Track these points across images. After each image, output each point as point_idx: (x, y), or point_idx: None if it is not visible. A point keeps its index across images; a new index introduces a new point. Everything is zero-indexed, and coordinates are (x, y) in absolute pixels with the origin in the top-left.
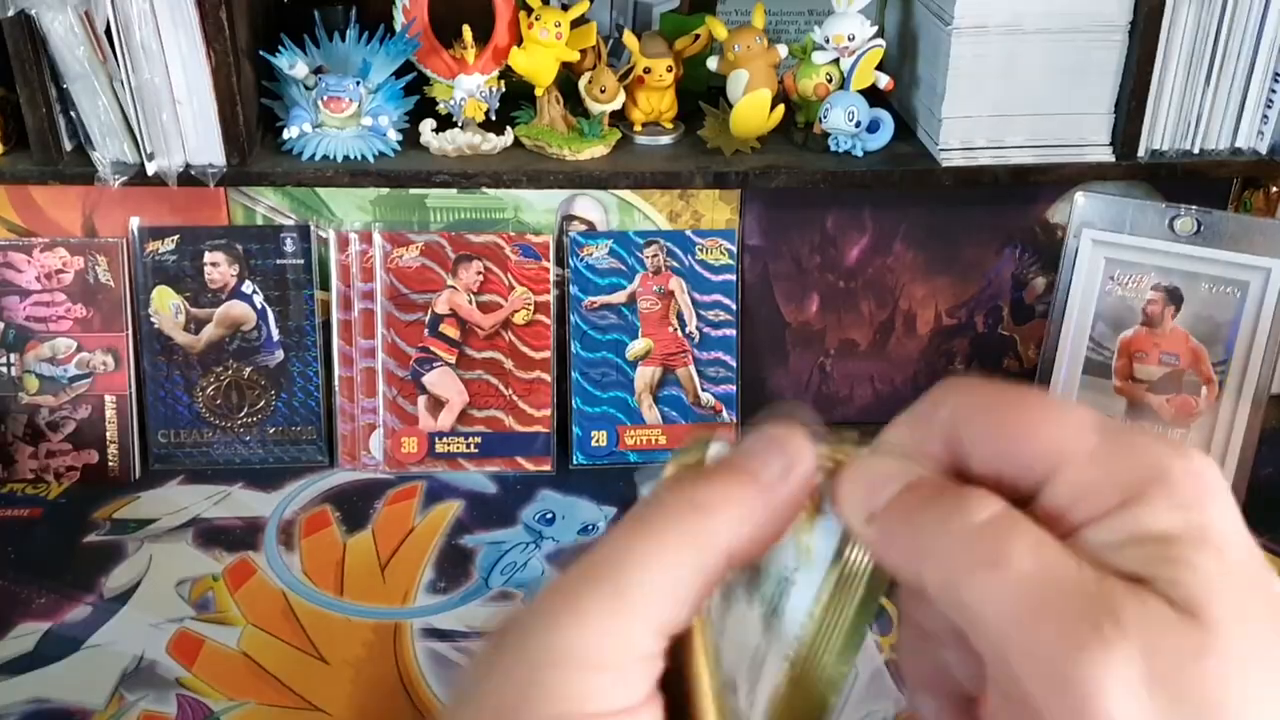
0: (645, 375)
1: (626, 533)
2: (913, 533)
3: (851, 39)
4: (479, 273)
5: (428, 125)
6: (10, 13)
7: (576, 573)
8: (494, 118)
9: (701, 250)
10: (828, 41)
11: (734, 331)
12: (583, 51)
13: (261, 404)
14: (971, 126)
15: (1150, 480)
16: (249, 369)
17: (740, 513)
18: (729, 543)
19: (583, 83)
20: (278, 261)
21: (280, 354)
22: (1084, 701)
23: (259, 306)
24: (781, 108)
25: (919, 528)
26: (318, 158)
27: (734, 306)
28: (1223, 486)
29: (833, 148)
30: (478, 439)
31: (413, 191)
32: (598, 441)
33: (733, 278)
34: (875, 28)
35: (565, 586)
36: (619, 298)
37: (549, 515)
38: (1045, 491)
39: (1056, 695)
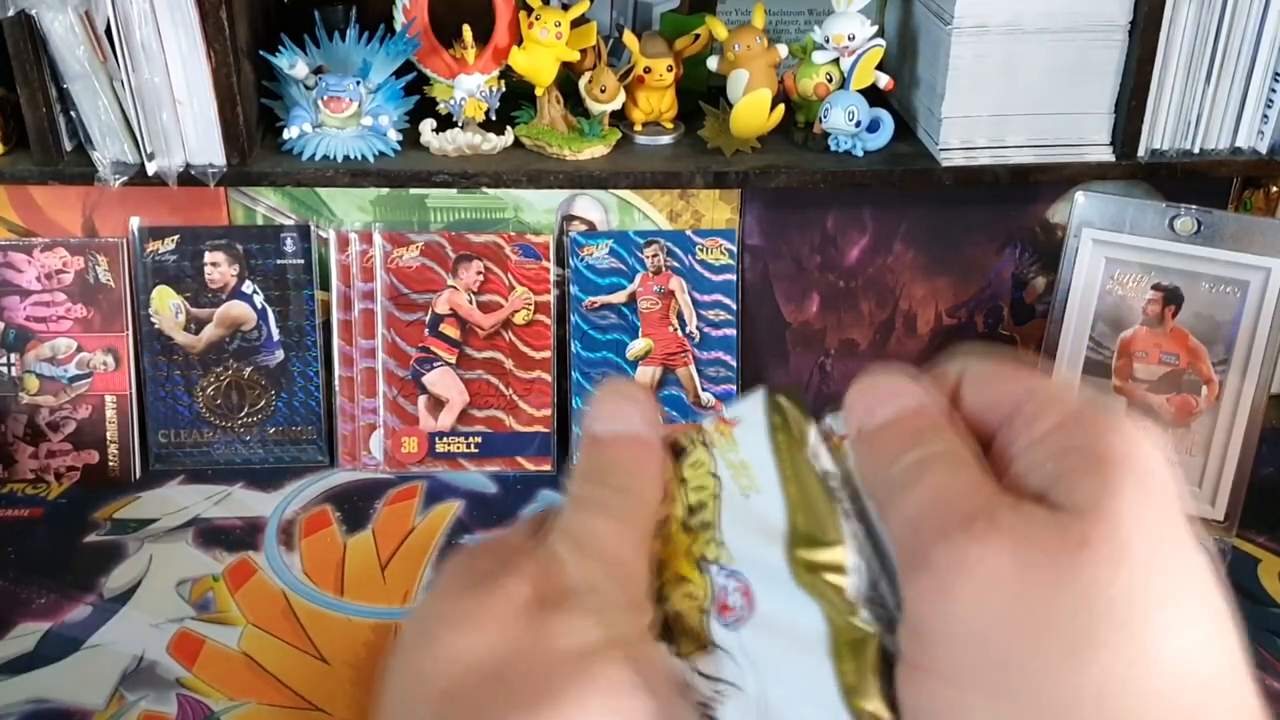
0: (645, 375)
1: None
2: (875, 462)
3: (851, 39)
4: (479, 273)
5: (428, 125)
6: (10, 12)
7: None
8: (494, 118)
9: (702, 250)
10: (828, 41)
11: (734, 331)
12: (583, 51)
13: (262, 404)
14: (971, 126)
15: (1088, 413)
16: (249, 369)
17: (656, 477)
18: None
19: (583, 82)
20: (278, 261)
21: (280, 354)
22: (946, 584)
23: (259, 306)
24: (781, 107)
25: (880, 459)
26: (318, 158)
27: (734, 306)
28: (1155, 449)
29: (833, 147)
30: (478, 439)
31: (413, 191)
32: None
33: (733, 277)
34: (875, 27)
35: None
36: (619, 297)
37: None
38: (1004, 427)
39: (925, 581)
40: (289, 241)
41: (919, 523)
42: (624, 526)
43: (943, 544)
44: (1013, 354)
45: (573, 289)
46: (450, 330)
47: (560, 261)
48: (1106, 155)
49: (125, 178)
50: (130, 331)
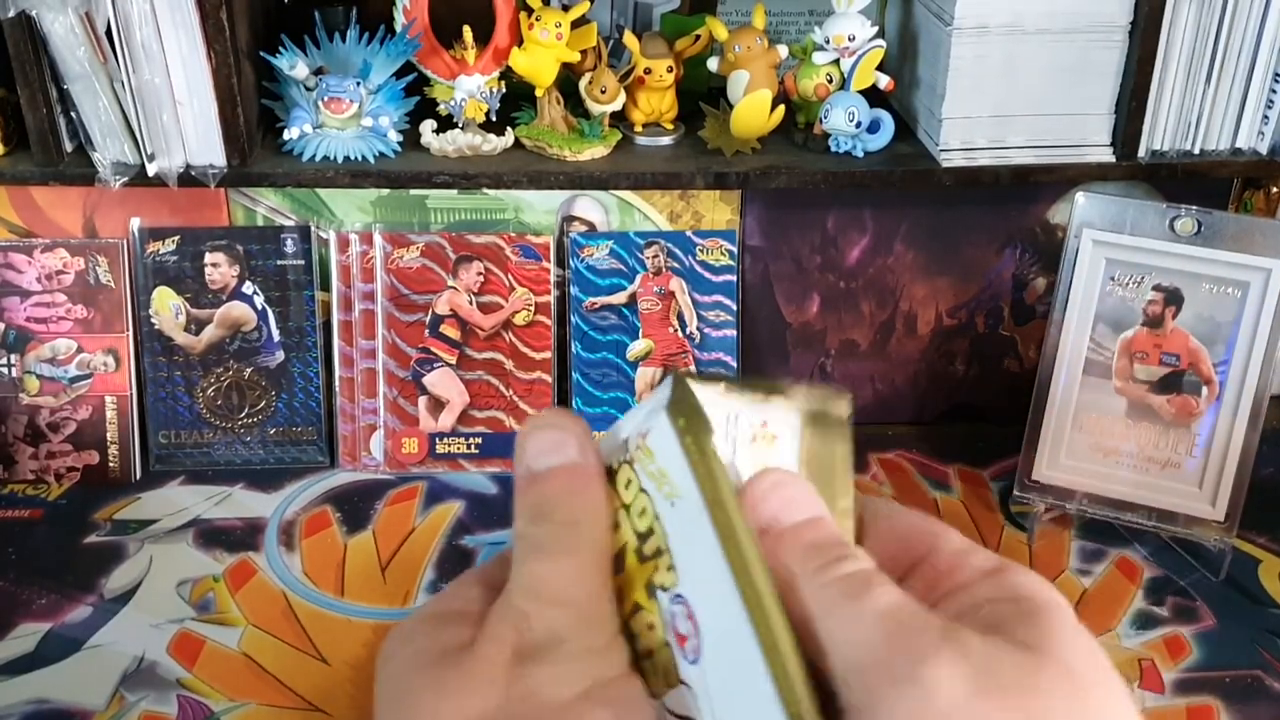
0: (646, 376)
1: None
2: (797, 562)
3: (852, 39)
4: (479, 273)
5: (428, 126)
6: (11, 13)
7: None
8: (494, 118)
9: (702, 251)
10: (828, 42)
11: (734, 332)
12: (583, 52)
13: (262, 405)
14: (972, 127)
15: (1011, 564)
16: (249, 370)
17: (600, 504)
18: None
19: (583, 83)
20: (278, 262)
21: (281, 355)
22: (925, 698)
23: (259, 307)
24: (782, 108)
25: (802, 560)
26: (318, 158)
27: (734, 307)
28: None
29: (833, 148)
30: (478, 440)
31: (413, 192)
32: None
33: (733, 278)
34: (875, 28)
35: None
36: (619, 298)
37: None
38: (925, 562)
39: (903, 697)
40: (289, 242)
41: (879, 642)
42: (578, 562)
43: (920, 665)
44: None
45: (573, 290)
46: (450, 331)
47: (560, 262)
48: (1107, 156)
49: (126, 178)
50: (130, 332)
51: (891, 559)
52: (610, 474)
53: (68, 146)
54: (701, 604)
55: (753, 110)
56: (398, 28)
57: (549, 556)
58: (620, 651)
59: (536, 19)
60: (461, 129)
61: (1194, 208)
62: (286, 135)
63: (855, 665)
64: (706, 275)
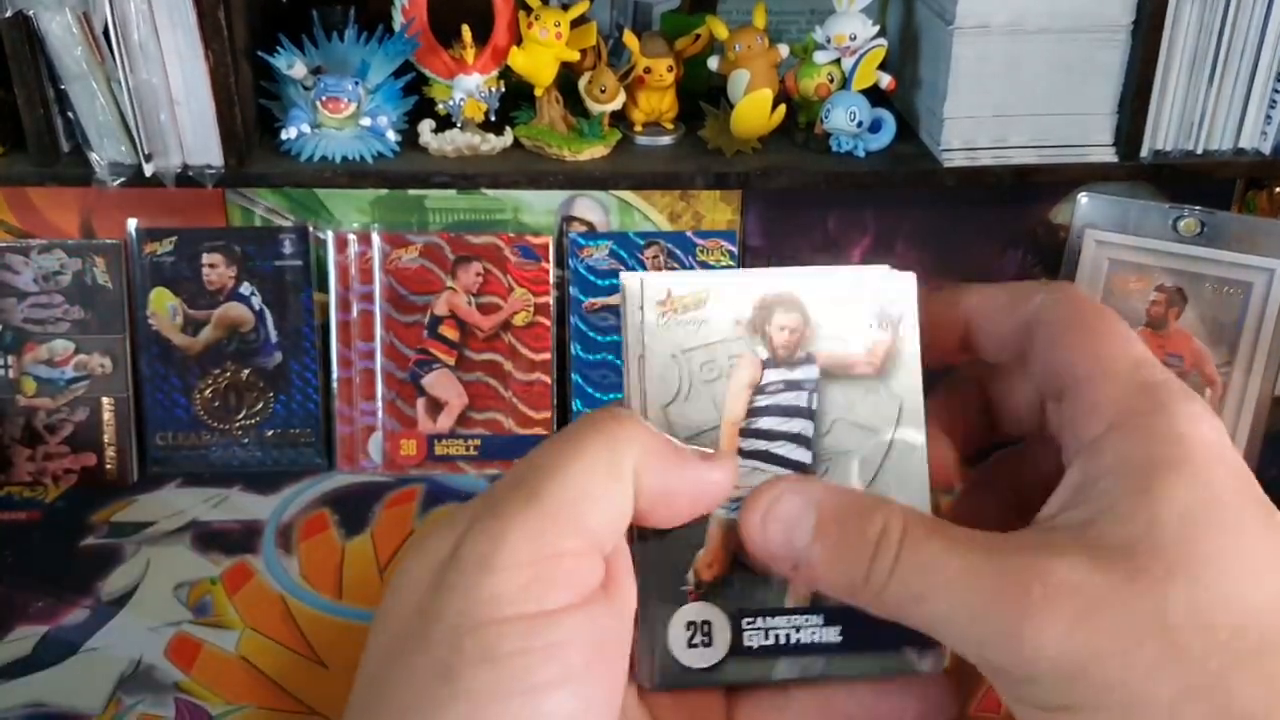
0: None
1: (544, 448)
2: (846, 585)
3: (853, 39)
4: (478, 274)
5: (427, 126)
6: (7, 13)
7: (503, 481)
8: (493, 118)
9: (702, 251)
10: (829, 41)
11: None
12: (583, 51)
13: (260, 406)
14: (974, 127)
15: (1138, 415)
16: (247, 371)
17: (647, 443)
18: (636, 460)
19: (583, 83)
20: (276, 263)
21: (278, 356)
22: (1033, 653)
23: (257, 308)
24: (783, 108)
25: (851, 583)
26: (316, 159)
27: None
28: (1211, 434)
29: (834, 148)
30: (477, 441)
31: (411, 192)
32: None
33: None
34: (877, 27)
35: (494, 497)
36: (619, 299)
37: None
38: (1056, 405)
39: (1012, 658)
40: (287, 243)
41: (968, 611)
42: None
43: (1019, 623)
44: (1088, 307)
45: (572, 290)
46: (449, 332)
47: (560, 263)
48: (1109, 156)
49: (123, 179)
50: (127, 333)
51: (1046, 382)
52: None
53: (64, 147)
54: None
55: (753, 110)
56: (396, 27)
57: None
58: None
59: (536, 18)
60: (460, 129)
61: (1197, 208)
62: (284, 135)
63: (964, 635)
64: None
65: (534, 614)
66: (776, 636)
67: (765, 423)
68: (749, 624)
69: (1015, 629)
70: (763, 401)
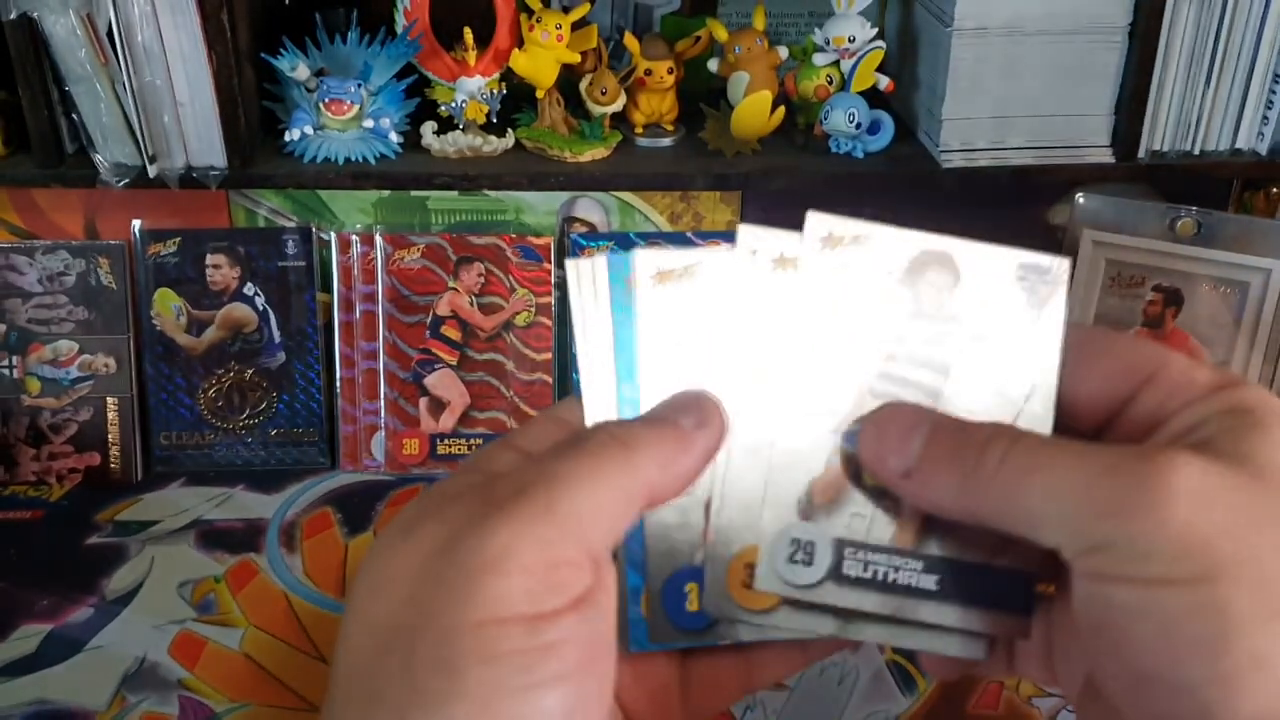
0: None
1: (559, 457)
2: (957, 480)
3: (852, 41)
4: (480, 275)
5: (429, 127)
6: (12, 15)
7: (509, 486)
8: (495, 120)
9: None
10: (828, 43)
11: None
12: (583, 54)
13: (263, 406)
14: (972, 128)
15: (1238, 379)
16: (250, 371)
17: (661, 452)
18: (650, 476)
19: (583, 85)
20: (279, 264)
21: (282, 356)
22: (1155, 527)
23: (260, 308)
24: (782, 109)
25: (962, 475)
26: (319, 160)
27: None
28: None
29: (833, 149)
30: (479, 441)
31: (414, 193)
32: None
33: None
34: (875, 29)
35: (498, 498)
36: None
37: None
38: (1151, 383)
39: (1132, 528)
40: (290, 244)
41: (1099, 481)
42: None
43: (1141, 481)
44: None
45: None
46: (451, 332)
47: (561, 263)
48: (1107, 157)
49: (127, 180)
50: (132, 334)
51: (1114, 384)
52: None
53: (69, 148)
54: None
55: (753, 111)
56: (398, 29)
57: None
58: None
59: (537, 20)
60: (462, 130)
61: (1194, 208)
62: (287, 137)
63: (1071, 528)
64: None
65: (534, 615)
66: (875, 571)
67: (899, 369)
68: (851, 553)
69: (1133, 500)
70: (900, 349)
